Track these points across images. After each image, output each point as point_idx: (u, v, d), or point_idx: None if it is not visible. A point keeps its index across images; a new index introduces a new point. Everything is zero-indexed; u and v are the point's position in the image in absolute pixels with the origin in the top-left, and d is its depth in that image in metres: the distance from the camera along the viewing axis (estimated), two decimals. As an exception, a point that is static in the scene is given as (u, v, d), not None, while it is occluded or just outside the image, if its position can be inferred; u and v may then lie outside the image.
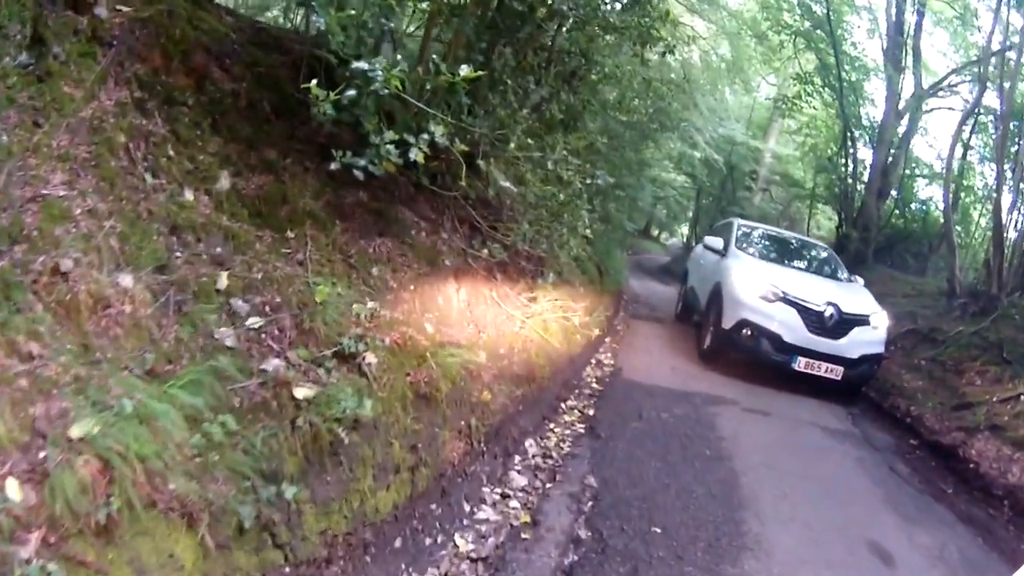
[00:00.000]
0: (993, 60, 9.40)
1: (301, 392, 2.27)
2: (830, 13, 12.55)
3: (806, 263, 8.53)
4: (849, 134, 12.97)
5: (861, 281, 8.11)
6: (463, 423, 3.34)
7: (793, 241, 9.46)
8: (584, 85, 8.02)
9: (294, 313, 2.58)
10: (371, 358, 2.67)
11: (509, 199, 5.35)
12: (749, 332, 6.73)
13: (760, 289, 6.84)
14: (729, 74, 19.48)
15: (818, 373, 6.62)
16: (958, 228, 12.28)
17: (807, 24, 13.37)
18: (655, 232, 46.92)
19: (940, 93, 12.43)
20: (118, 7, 2.69)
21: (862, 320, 6.86)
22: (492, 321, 4.50)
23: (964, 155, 11.83)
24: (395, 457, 2.65)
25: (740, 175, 21.62)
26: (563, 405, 5.11)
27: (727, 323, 6.87)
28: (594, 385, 5.91)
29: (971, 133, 12.04)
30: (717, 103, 20.52)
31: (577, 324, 6.48)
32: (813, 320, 6.67)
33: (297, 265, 2.89)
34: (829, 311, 6.71)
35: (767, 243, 8.74)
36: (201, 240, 2.52)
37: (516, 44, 5.18)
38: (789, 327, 6.64)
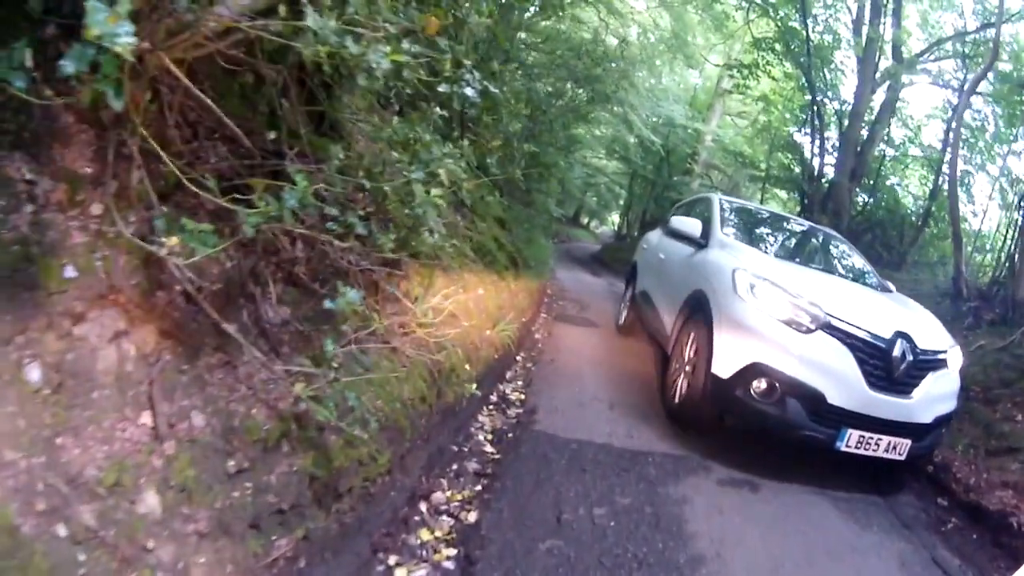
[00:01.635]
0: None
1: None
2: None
3: (825, 261, 5.62)
4: (815, 108, 11.18)
5: (894, 288, 5.34)
6: None
7: (797, 225, 6.46)
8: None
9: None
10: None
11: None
12: (765, 387, 3.77)
13: (783, 307, 3.87)
14: (670, 50, 17.71)
15: (875, 453, 3.80)
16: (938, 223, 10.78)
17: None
18: (585, 220, 45.59)
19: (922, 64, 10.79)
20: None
21: (937, 361, 4.07)
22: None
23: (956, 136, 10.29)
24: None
25: (678, 159, 19.93)
26: (420, 511, 2.81)
27: (723, 368, 3.89)
28: (487, 449, 3.64)
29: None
30: (655, 81, 18.82)
31: (472, 344, 4.23)
32: (876, 365, 3.78)
33: None
34: (899, 348, 3.82)
35: (763, 228, 5.97)
36: None
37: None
38: (838, 378, 3.73)
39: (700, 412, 4.14)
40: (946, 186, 9.01)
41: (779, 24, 11.25)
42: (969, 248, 12.22)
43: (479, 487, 3.15)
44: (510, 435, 3.89)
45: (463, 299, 4.40)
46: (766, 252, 5.18)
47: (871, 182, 11.77)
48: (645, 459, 3.79)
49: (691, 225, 5.15)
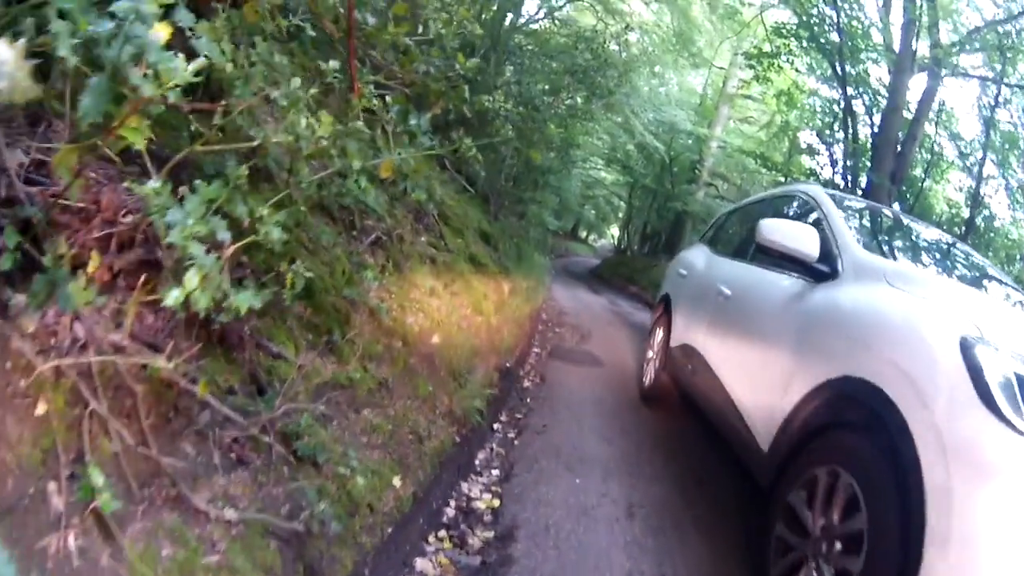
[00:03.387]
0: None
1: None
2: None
3: (987, 286, 3.20)
4: (847, 103, 9.56)
5: None
6: None
7: (925, 231, 3.75)
8: None
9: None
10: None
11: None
12: None
13: None
14: (673, 50, 16.19)
15: None
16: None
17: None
18: (583, 233, 44.08)
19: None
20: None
21: None
22: None
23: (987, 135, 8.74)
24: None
25: (682, 167, 18.36)
26: None
27: None
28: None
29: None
30: (658, 83, 17.33)
31: (406, 437, 2.63)
32: None
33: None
34: None
35: (902, 239, 3.44)
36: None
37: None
38: None
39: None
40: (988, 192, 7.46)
41: (800, 9, 9.67)
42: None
43: None
44: (467, 600, 2.24)
45: (402, 358, 2.77)
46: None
47: (905, 188, 10.19)
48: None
49: (799, 237, 2.68)
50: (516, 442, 3.85)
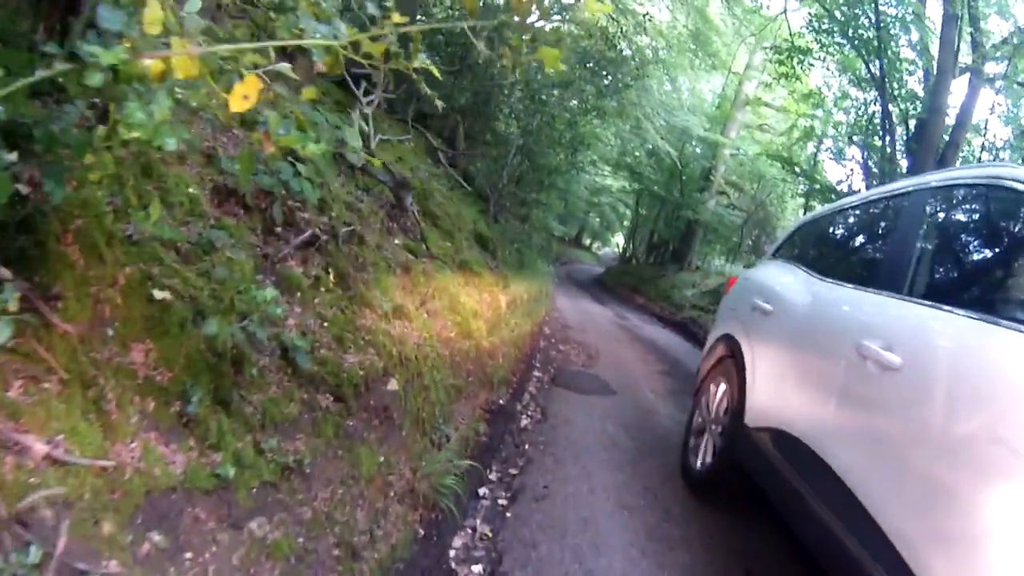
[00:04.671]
0: None
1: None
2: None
3: None
4: (884, 105, 8.54)
5: None
6: None
7: None
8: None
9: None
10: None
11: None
12: None
13: None
14: (691, 51, 15.21)
15: None
16: None
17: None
18: (587, 241, 43.00)
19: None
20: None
21: None
22: None
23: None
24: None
25: (691, 175, 17.35)
26: None
27: None
28: None
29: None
30: (671, 90, 16.36)
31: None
32: None
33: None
34: None
35: None
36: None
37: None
38: None
39: None
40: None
41: (830, 3, 8.64)
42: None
43: None
44: None
45: (331, 421, 1.77)
46: None
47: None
48: None
49: None
50: (508, 514, 2.84)
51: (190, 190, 2.08)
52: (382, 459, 2.11)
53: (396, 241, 3.35)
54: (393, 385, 2.25)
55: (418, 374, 2.53)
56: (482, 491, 2.97)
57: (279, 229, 2.18)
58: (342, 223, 2.49)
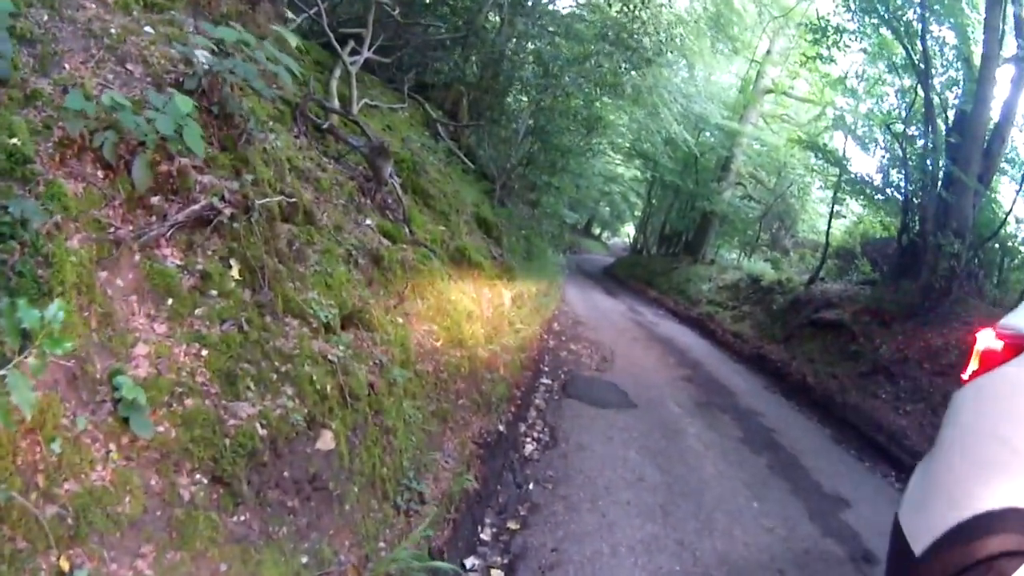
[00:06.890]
0: None
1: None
2: None
3: None
4: (926, 91, 7.56)
5: None
6: None
7: None
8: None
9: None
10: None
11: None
12: None
13: None
14: (711, 36, 14.20)
15: None
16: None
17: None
18: (597, 231, 41.88)
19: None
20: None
21: None
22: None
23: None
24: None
25: (704, 166, 16.37)
26: None
27: None
28: None
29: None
30: (689, 77, 15.36)
31: None
32: None
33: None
34: None
35: None
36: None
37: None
38: None
39: None
40: None
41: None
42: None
43: None
44: None
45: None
46: None
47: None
48: None
49: None
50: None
51: (14, 140, 1.28)
52: (305, 560, 1.31)
53: (368, 222, 2.53)
54: (327, 441, 1.45)
55: (375, 413, 1.72)
56: (470, 563, 2.17)
57: (155, 199, 1.38)
58: (273, 192, 1.68)
